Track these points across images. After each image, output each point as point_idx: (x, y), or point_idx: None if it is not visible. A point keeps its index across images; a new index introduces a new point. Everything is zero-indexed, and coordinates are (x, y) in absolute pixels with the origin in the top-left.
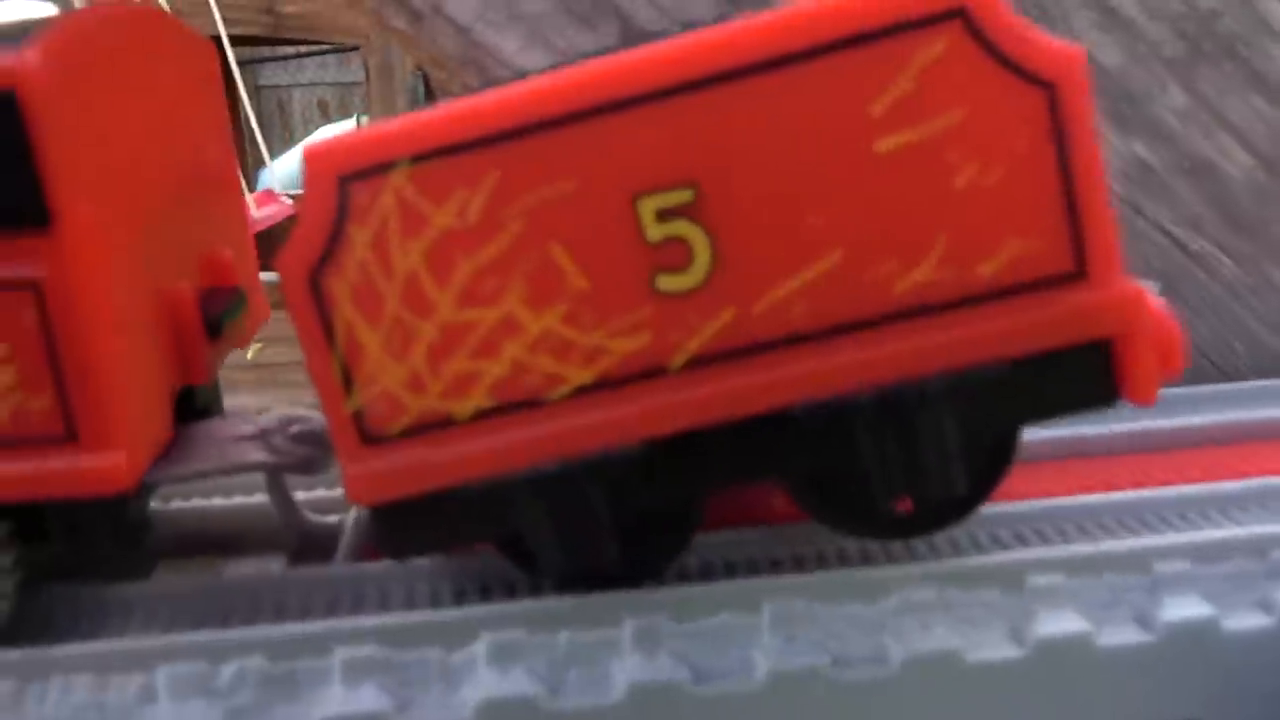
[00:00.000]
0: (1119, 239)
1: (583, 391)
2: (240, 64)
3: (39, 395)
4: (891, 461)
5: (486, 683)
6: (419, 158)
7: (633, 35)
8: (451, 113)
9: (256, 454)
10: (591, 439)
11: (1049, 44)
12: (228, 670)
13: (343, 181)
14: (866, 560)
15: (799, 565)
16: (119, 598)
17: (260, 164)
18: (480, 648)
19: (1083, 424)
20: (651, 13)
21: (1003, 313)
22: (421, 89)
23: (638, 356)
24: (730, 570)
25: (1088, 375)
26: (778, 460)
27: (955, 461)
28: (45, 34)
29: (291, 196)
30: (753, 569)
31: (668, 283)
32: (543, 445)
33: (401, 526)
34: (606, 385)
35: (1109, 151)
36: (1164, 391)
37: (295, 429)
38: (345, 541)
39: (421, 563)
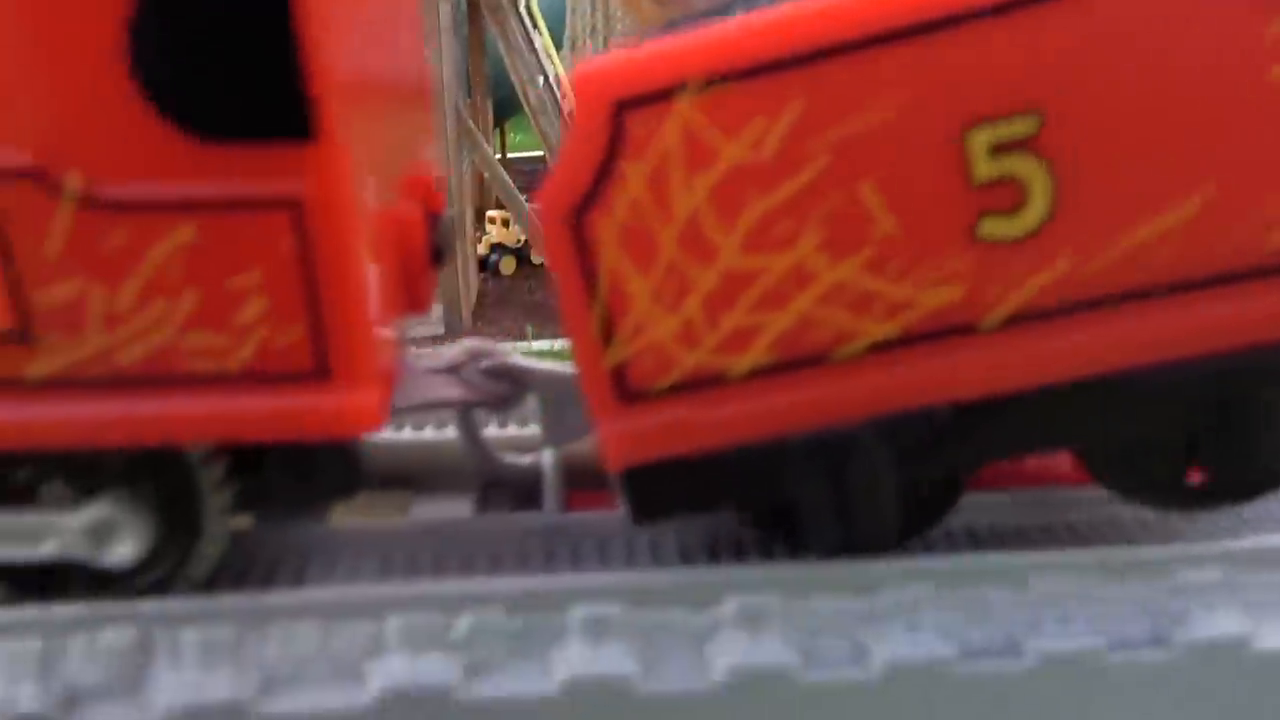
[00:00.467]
0: None
1: (877, 349)
2: None
3: (289, 328)
4: (1231, 438)
5: (737, 649)
6: (711, 81)
7: None
8: (750, 28)
9: (451, 390)
10: (884, 401)
11: None
12: (463, 623)
13: (618, 109)
14: (1131, 535)
15: (1049, 533)
16: (323, 539)
17: None
18: (728, 611)
19: None
20: None
21: None
22: None
23: (947, 311)
24: (972, 537)
25: None
26: (1095, 429)
27: None
28: None
29: None
30: (997, 535)
31: (994, 228)
32: (826, 406)
33: (656, 488)
34: (905, 343)
35: None
36: None
37: (486, 363)
38: (550, 489)
39: None
